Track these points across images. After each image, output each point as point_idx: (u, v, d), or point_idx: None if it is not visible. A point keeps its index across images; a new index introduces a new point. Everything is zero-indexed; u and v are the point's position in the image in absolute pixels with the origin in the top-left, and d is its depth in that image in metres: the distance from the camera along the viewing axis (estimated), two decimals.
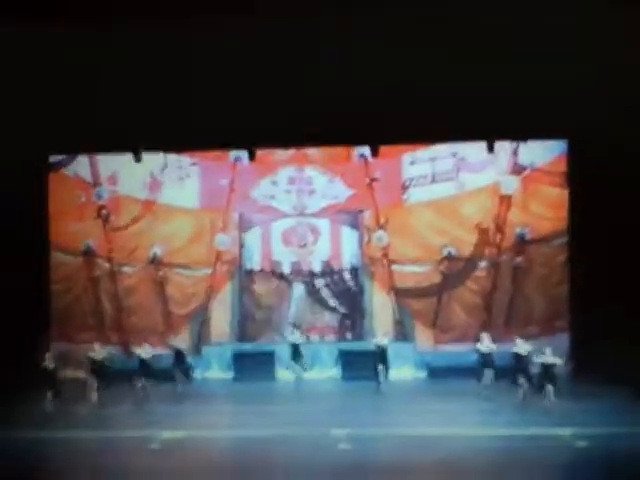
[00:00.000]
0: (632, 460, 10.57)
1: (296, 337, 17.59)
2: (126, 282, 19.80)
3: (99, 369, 14.79)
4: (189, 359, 16.74)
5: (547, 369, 13.52)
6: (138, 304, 19.69)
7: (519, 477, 9.67)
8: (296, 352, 17.34)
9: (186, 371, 16.21)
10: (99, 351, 15.26)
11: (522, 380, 14.06)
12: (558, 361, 13.58)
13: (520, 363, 14.25)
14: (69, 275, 19.83)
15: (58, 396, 14.00)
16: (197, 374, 18.56)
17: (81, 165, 19.69)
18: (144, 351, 15.43)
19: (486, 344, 15.11)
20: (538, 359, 13.71)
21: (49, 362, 14.24)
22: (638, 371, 14.17)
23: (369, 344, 16.94)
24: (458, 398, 14.81)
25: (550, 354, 13.63)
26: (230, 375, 18.68)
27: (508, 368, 14.56)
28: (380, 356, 15.92)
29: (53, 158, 19.41)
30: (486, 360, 14.99)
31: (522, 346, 14.40)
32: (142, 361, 15.20)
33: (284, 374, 17.94)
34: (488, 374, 14.82)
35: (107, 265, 19.82)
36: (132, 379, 15.12)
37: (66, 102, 13.07)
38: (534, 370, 13.90)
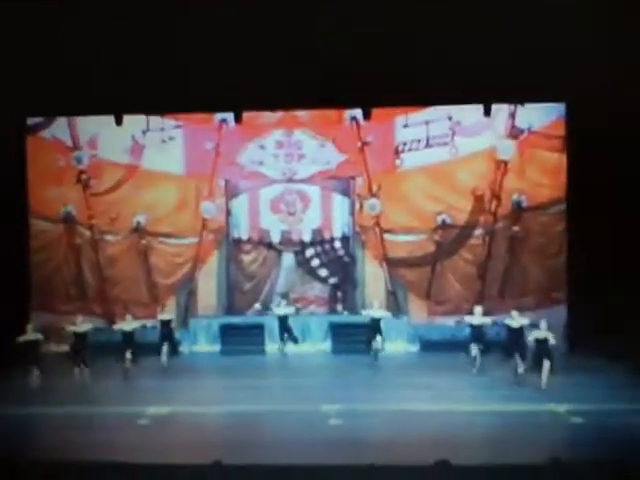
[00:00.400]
0: (628, 437, 10.58)
1: (283, 309, 17.26)
2: (108, 251, 19.65)
3: (82, 343, 14.61)
4: (176, 332, 16.59)
5: (541, 344, 13.43)
6: (121, 274, 19.57)
7: (513, 453, 9.66)
8: (284, 325, 17.03)
9: (174, 345, 16.09)
10: (81, 324, 15.03)
11: (516, 355, 14.00)
12: (551, 336, 13.45)
13: (514, 337, 14.17)
14: (49, 243, 19.66)
15: (41, 370, 13.84)
16: (184, 347, 18.51)
17: (60, 128, 19.41)
18: (127, 323, 15.27)
19: (477, 317, 14.93)
20: (531, 334, 13.61)
21: (31, 334, 14.05)
22: (637, 345, 14.14)
23: (361, 316, 16.86)
24: (451, 373, 14.80)
25: (545, 328, 13.50)
26: (217, 348, 18.61)
27: (501, 342, 14.52)
28: (375, 329, 15.80)
29: (30, 120, 19.10)
30: (478, 333, 14.87)
31: (517, 319, 14.30)
32: (125, 334, 15.05)
33: (273, 347, 17.89)
34: (477, 348, 14.70)
35: (88, 233, 19.66)
36: (117, 353, 14.98)
37: (44, 62, 12.81)
38: (529, 344, 13.83)
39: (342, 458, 9.37)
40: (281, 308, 17.30)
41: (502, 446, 10.21)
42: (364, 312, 16.53)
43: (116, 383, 14.75)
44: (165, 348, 15.79)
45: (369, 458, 9.13)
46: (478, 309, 15.18)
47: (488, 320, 14.98)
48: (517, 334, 14.15)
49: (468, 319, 15.05)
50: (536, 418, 11.80)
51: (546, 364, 13.31)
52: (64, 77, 13.03)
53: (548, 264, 18.62)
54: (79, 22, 11.92)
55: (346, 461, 8.89)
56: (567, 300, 18.21)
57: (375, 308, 16.19)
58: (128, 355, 14.86)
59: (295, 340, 17.19)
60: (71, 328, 14.70)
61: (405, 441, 10.58)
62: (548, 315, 15.28)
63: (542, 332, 13.50)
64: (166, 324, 16.16)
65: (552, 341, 13.45)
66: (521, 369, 13.74)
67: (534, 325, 13.84)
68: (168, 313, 16.87)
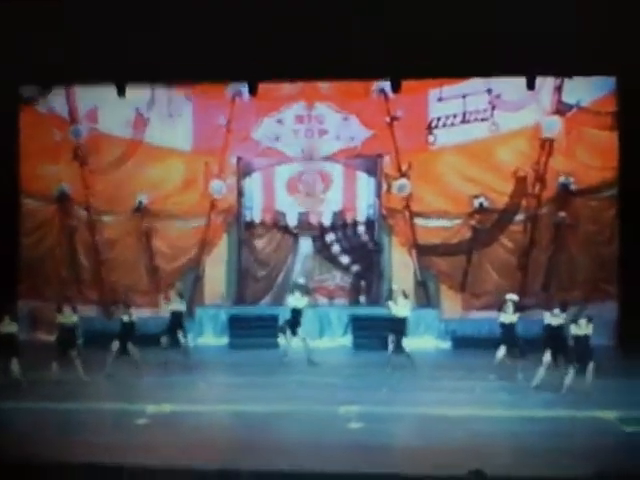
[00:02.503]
0: None
1: (297, 300, 16.67)
2: (106, 233, 19.85)
3: (73, 334, 14.77)
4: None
5: (581, 341, 13.36)
6: (120, 258, 19.78)
7: (554, 465, 9.68)
8: (295, 319, 16.46)
9: (180, 338, 16.15)
10: (70, 314, 15.05)
11: (556, 355, 13.95)
12: (590, 332, 13.35)
13: (553, 335, 14.11)
14: (41, 224, 19.90)
15: (22, 364, 13.99)
16: (188, 340, 18.69)
17: (56, 99, 19.65)
18: (127, 313, 15.34)
19: (510, 313, 14.81)
20: (571, 331, 13.55)
21: (8, 325, 14.21)
22: None
23: (386, 309, 16.84)
24: (487, 373, 14.82)
25: (584, 323, 13.44)
26: (225, 341, 18.79)
27: (539, 341, 14.44)
28: (401, 324, 15.67)
29: (24, 90, 19.30)
30: (509, 332, 14.75)
31: (557, 315, 14.18)
32: (125, 324, 15.19)
33: (287, 341, 17.99)
34: (509, 348, 14.60)
35: (84, 213, 19.89)
36: (113, 344, 15.13)
37: (39, 26, 12.91)
38: (570, 343, 13.77)
39: (362, 466, 9.34)
40: (294, 299, 16.73)
41: (542, 456, 10.14)
42: (390, 305, 16.16)
43: (111, 378, 14.83)
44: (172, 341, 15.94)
45: (392, 466, 9.28)
46: (509, 303, 14.96)
47: (515, 318, 14.75)
48: (555, 332, 14.09)
49: (502, 317, 14.86)
50: (581, 426, 11.75)
51: (590, 365, 13.28)
52: (62, 43, 13.12)
53: (598, 254, 18.60)
54: None
55: (366, 469, 8.92)
56: (618, 294, 18.22)
57: (399, 305, 15.58)
58: (126, 347, 14.98)
59: (303, 339, 16.54)
60: (59, 318, 14.83)
61: (433, 449, 10.53)
62: (597, 311, 15.24)
63: (582, 328, 13.36)
64: (177, 315, 16.17)
65: (593, 336, 13.35)
66: (570, 374, 13.60)
67: (573, 320, 13.74)
68: (178, 303, 16.63)
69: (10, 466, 8.24)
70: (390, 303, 15.69)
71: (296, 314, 16.49)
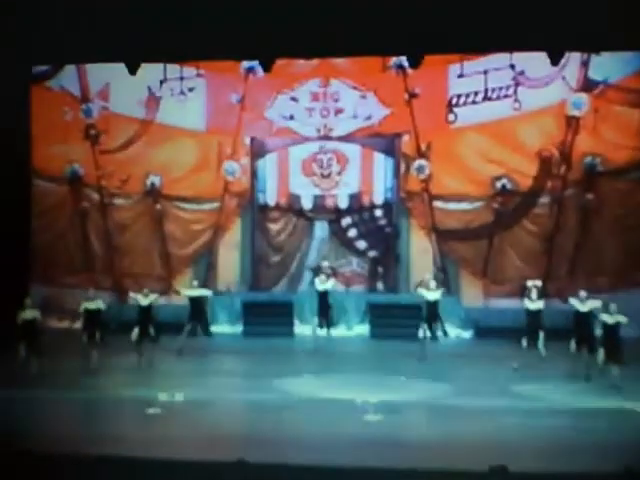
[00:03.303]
0: None
1: (323, 283, 16.28)
2: (118, 216, 19.87)
3: (96, 320, 14.66)
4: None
5: (611, 330, 13.14)
6: (132, 243, 19.81)
7: (581, 460, 9.48)
8: (324, 303, 16.15)
9: (205, 324, 16.01)
10: (94, 299, 14.94)
11: (583, 344, 13.73)
12: (622, 319, 13.14)
13: (580, 323, 13.88)
14: (52, 206, 19.94)
15: (38, 351, 13.95)
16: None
17: (68, 77, 19.67)
18: (145, 298, 15.14)
19: (534, 299, 14.51)
20: (600, 318, 13.30)
21: (28, 311, 14.13)
22: None
23: (404, 296, 16.71)
24: (509, 363, 14.63)
25: (615, 311, 13.17)
26: (239, 329, 18.70)
27: (565, 329, 14.22)
28: (431, 312, 15.38)
29: (36, 68, 19.26)
30: (534, 319, 14.46)
31: (585, 302, 13.94)
32: (142, 309, 14.99)
33: (303, 329, 17.84)
34: (536, 335, 14.39)
35: (96, 196, 19.89)
36: (126, 332, 15.02)
37: (51, 2, 12.80)
38: (598, 331, 13.54)
39: (380, 459, 9.20)
40: (323, 283, 16.34)
41: (568, 451, 9.97)
42: (420, 291, 15.75)
43: (123, 366, 14.83)
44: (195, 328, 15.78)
45: (411, 461, 9.19)
46: (533, 289, 14.60)
47: (541, 304, 14.50)
48: (583, 320, 13.85)
49: (527, 303, 14.62)
50: (609, 419, 11.56)
51: (619, 355, 13.05)
52: (73, 20, 13.03)
53: (626, 238, 18.31)
54: None
55: (384, 463, 8.83)
56: None
57: (432, 288, 15.50)
58: (140, 334, 14.84)
59: (330, 324, 16.41)
60: (84, 304, 14.72)
61: (454, 442, 10.39)
62: (625, 298, 14.96)
63: (612, 316, 13.13)
64: (199, 302, 15.97)
65: (626, 324, 13.11)
66: (600, 360, 13.35)
67: (602, 309, 13.49)
68: (200, 289, 16.40)
69: (19, 455, 8.15)
70: (420, 290, 15.59)
71: (323, 297, 16.22)
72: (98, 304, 14.57)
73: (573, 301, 14.04)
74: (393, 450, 9.97)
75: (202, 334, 16.07)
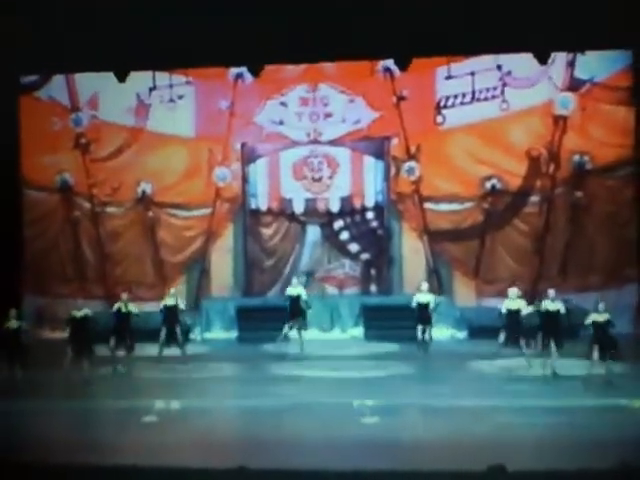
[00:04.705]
0: None
1: (296, 288, 16.29)
2: (110, 224, 19.81)
3: (83, 329, 14.62)
4: (183, 318, 16.02)
5: (602, 328, 13.15)
6: (124, 251, 19.74)
7: (578, 457, 9.52)
8: (295, 307, 16.11)
9: (177, 335, 15.50)
10: (81, 308, 14.93)
11: (551, 341, 13.77)
12: (606, 317, 13.14)
13: (549, 322, 13.88)
14: (43, 216, 19.88)
15: (22, 362, 13.84)
16: (195, 334, 18.60)
17: (57, 86, 19.60)
18: (129, 305, 15.10)
19: (514, 299, 14.32)
20: (589, 317, 13.32)
21: (12, 321, 14.04)
22: None
23: (398, 298, 16.71)
24: (505, 363, 14.66)
25: (603, 309, 13.16)
26: (234, 334, 18.67)
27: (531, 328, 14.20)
28: (422, 317, 15.37)
29: (24, 78, 19.23)
30: (513, 320, 14.26)
31: (554, 302, 13.94)
32: (121, 317, 14.94)
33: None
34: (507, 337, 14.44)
35: (87, 204, 19.86)
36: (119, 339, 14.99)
37: (39, 13, 12.81)
38: (589, 331, 13.54)
39: (377, 462, 9.19)
40: (295, 287, 16.41)
41: (565, 449, 10.02)
42: (416, 295, 15.71)
43: (116, 374, 14.78)
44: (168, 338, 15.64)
45: (409, 462, 9.18)
46: (513, 290, 14.55)
47: (522, 304, 14.45)
48: (555, 317, 13.82)
49: (506, 304, 14.60)
50: (604, 415, 11.57)
51: (616, 351, 13.08)
52: (61, 30, 13.06)
53: (617, 236, 18.36)
54: None
55: (382, 465, 8.80)
56: (639, 278, 17.95)
57: (422, 290, 15.57)
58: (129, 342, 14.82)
59: (301, 328, 16.26)
60: (72, 312, 14.69)
61: (452, 443, 10.40)
62: (617, 296, 15.04)
63: (602, 314, 13.14)
64: (172, 309, 15.59)
65: (611, 322, 13.15)
66: (595, 357, 13.29)
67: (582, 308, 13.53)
68: (172, 297, 15.90)
69: (14, 467, 8.11)
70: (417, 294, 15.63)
71: (295, 302, 16.17)
72: (85, 312, 14.52)
73: (545, 301, 13.98)
74: (391, 452, 9.98)
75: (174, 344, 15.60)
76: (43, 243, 19.79)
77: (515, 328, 14.11)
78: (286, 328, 16.20)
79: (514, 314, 14.13)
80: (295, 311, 16.13)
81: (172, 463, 8.85)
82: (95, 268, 19.71)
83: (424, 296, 15.46)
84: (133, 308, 15.04)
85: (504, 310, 14.24)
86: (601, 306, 13.25)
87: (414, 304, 15.35)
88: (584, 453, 9.69)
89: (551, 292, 14.06)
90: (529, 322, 14.13)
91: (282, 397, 12.95)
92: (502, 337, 14.09)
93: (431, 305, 15.39)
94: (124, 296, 15.15)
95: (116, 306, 15.11)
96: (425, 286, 15.72)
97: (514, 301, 14.23)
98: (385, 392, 13.09)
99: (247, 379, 14.85)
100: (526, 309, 14.11)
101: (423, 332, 15.31)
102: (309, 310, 16.29)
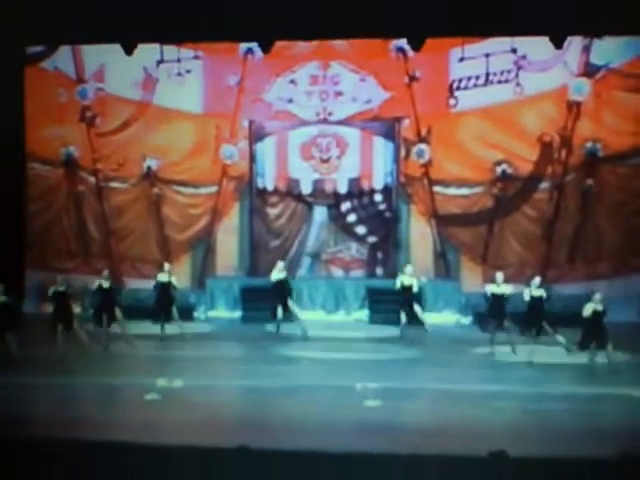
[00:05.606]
0: None
1: (280, 272, 16.41)
2: (115, 200, 19.79)
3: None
4: (175, 293, 15.86)
5: (599, 317, 13.19)
6: (129, 227, 19.75)
7: (578, 445, 9.57)
8: (279, 292, 16.25)
9: (173, 312, 15.65)
10: (107, 279, 15.08)
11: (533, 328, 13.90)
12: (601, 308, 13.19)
13: (533, 307, 14.02)
14: (47, 190, 19.86)
15: (20, 336, 13.89)
16: (199, 312, 18.71)
17: (63, 58, 19.50)
18: (106, 281, 15.14)
19: (500, 284, 14.59)
20: (587, 307, 13.33)
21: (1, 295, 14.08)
22: None
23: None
24: (507, 349, 14.67)
25: (599, 300, 13.18)
26: (238, 314, 18.75)
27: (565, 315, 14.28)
28: (406, 298, 15.62)
29: (30, 49, 19.15)
30: (498, 306, 14.56)
31: (536, 289, 14.08)
32: (104, 292, 15.01)
33: (303, 315, 17.89)
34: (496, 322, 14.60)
35: (92, 179, 19.82)
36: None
37: None
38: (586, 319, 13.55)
39: (379, 445, 9.27)
40: (280, 272, 16.48)
41: (566, 436, 10.06)
42: (400, 277, 16.03)
43: (118, 351, 14.81)
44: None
45: (411, 446, 9.21)
46: (500, 275, 14.80)
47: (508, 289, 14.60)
48: (539, 304, 13.98)
49: (489, 288, 14.79)
50: (606, 404, 11.66)
51: (605, 340, 13.13)
52: (68, 0, 13.02)
53: (627, 224, 18.37)
54: None
55: (384, 449, 8.80)
56: None
57: (407, 274, 15.80)
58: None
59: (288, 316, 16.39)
60: (98, 282, 14.83)
61: (454, 428, 10.44)
62: (625, 284, 15.03)
63: (600, 304, 13.15)
64: (164, 286, 15.72)
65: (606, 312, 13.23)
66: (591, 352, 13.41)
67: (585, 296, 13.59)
68: (166, 274, 15.96)
69: (10, 443, 8.17)
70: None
71: (279, 287, 16.39)
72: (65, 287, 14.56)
73: (527, 288, 14.15)
74: (392, 435, 10.05)
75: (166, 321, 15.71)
76: (47, 217, 19.79)
77: (500, 312, 14.34)
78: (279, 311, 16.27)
79: (499, 298, 14.36)
80: (281, 295, 16.23)
81: (173, 441, 8.87)
82: (99, 244, 19.74)
83: (408, 279, 15.67)
84: (111, 284, 15.23)
85: (489, 294, 14.38)
86: (597, 296, 13.27)
87: (397, 285, 15.49)
88: (585, 440, 9.78)
89: (537, 279, 14.26)
90: (548, 308, 14.24)
91: (285, 378, 13.05)
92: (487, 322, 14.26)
93: (414, 288, 15.51)
94: (105, 272, 15.27)
95: (96, 283, 15.20)
96: (409, 269, 15.92)
97: (499, 286, 14.39)
98: (388, 375, 13.15)
99: (250, 359, 14.89)
100: (510, 293, 14.39)
101: (408, 316, 15.44)
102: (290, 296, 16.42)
